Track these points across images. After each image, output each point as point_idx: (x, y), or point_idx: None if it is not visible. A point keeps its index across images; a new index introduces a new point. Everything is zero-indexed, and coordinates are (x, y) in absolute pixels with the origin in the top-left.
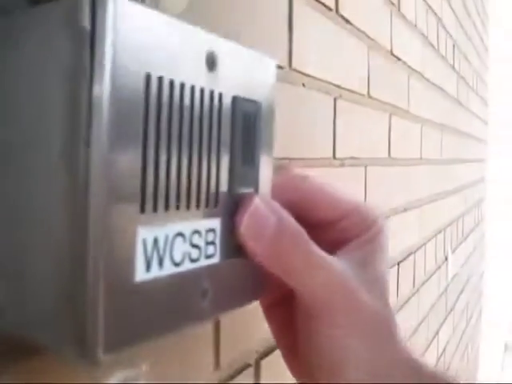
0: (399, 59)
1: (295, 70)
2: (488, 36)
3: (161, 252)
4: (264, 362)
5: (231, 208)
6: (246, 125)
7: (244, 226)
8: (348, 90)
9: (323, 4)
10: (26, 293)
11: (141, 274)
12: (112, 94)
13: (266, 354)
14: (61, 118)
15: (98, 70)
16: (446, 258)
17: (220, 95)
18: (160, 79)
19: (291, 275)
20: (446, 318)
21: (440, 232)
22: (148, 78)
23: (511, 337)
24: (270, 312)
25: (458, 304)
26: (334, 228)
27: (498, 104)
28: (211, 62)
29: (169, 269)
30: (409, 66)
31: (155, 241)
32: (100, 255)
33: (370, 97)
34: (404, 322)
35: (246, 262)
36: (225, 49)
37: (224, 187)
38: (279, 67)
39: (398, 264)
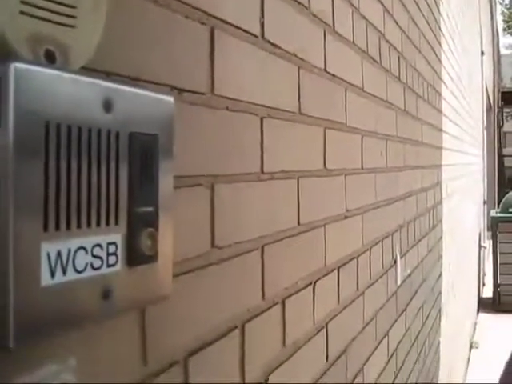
0: (334, 76)
1: (217, 95)
2: (441, 45)
3: (64, 262)
4: (193, 360)
5: (132, 224)
6: (143, 155)
7: None
8: (276, 109)
9: (248, 32)
10: None
11: (46, 280)
12: (15, 138)
13: (196, 351)
14: None
15: (2, 121)
16: (395, 262)
17: (117, 133)
18: (58, 125)
19: None
20: (397, 319)
21: (387, 237)
22: (47, 125)
23: (476, 336)
24: None
25: (412, 305)
26: None
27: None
28: (107, 106)
29: (72, 275)
30: (346, 81)
31: (58, 253)
32: (9, 266)
33: (301, 113)
34: (347, 323)
35: (149, 268)
36: (121, 94)
37: (124, 208)
38: (201, 93)
39: (339, 269)
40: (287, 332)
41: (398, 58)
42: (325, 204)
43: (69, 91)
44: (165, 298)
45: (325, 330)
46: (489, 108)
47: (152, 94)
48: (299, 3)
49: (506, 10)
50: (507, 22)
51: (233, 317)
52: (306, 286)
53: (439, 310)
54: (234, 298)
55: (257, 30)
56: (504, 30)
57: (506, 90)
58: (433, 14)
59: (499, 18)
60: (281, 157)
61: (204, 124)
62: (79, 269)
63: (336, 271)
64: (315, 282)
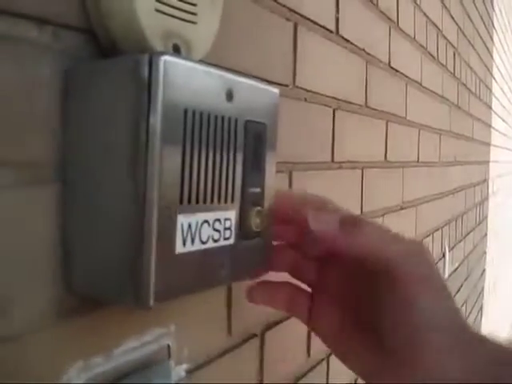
0: (397, 71)
1: (298, 87)
2: (493, 40)
3: (192, 233)
4: (268, 334)
5: (244, 203)
6: (255, 141)
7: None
8: (346, 101)
9: (324, 28)
10: (100, 265)
11: (179, 248)
12: (162, 122)
13: (270, 327)
14: (128, 138)
15: (152, 107)
16: (444, 255)
17: (236, 120)
18: (193, 112)
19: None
20: None
21: (437, 230)
22: (186, 111)
23: None
24: (316, 325)
25: (456, 299)
26: None
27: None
28: (229, 96)
29: (198, 246)
30: (407, 76)
31: (189, 225)
32: (152, 234)
33: (367, 106)
34: None
35: (255, 244)
36: (239, 84)
37: (238, 188)
38: (285, 85)
39: None
40: None
41: (454, 54)
42: (384, 194)
43: (202, 81)
44: (267, 272)
45: None
46: None
47: (262, 86)
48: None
49: None
50: None
51: None
52: None
53: (481, 308)
54: None
55: (332, 26)
56: None
57: None
58: (486, 9)
59: None
60: (348, 147)
61: (286, 114)
62: (203, 240)
63: None
64: None
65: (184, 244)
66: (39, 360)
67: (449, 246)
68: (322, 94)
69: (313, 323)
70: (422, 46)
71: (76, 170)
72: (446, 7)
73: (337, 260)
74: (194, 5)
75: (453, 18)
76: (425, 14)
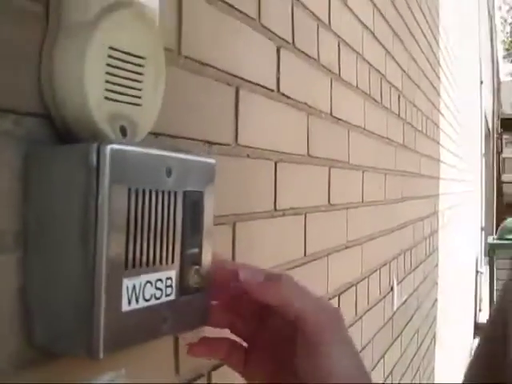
0: (339, 119)
1: (240, 145)
2: (439, 78)
3: (137, 293)
4: (215, 374)
5: (183, 262)
6: (193, 208)
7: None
8: (288, 153)
9: (265, 87)
10: (56, 322)
11: (125, 307)
12: (108, 202)
13: (217, 367)
14: (79, 215)
15: (100, 190)
16: (392, 289)
17: (175, 193)
18: (136, 190)
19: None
20: (392, 343)
21: (385, 265)
22: (129, 190)
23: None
24: (248, 376)
25: (407, 329)
26: None
27: None
28: (169, 172)
29: (142, 303)
30: (349, 123)
31: (134, 286)
32: (101, 296)
33: (309, 155)
34: None
35: (195, 299)
36: (178, 161)
37: (178, 250)
38: (227, 145)
39: (339, 296)
40: None
41: (398, 96)
42: (328, 236)
43: (144, 163)
44: (206, 324)
45: None
46: (488, 135)
47: (198, 158)
48: (310, 57)
49: (506, 39)
50: (507, 50)
51: None
52: None
53: (434, 336)
54: None
55: (273, 85)
56: (504, 57)
57: (505, 116)
58: (432, 49)
59: (500, 47)
60: (291, 195)
61: (228, 170)
62: (147, 298)
63: (337, 297)
64: None
65: (129, 303)
66: None
67: (397, 280)
68: (263, 149)
69: (246, 375)
70: (364, 92)
71: (35, 239)
72: (389, 53)
73: (263, 318)
74: (139, 89)
75: (397, 63)
76: (368, 62)
